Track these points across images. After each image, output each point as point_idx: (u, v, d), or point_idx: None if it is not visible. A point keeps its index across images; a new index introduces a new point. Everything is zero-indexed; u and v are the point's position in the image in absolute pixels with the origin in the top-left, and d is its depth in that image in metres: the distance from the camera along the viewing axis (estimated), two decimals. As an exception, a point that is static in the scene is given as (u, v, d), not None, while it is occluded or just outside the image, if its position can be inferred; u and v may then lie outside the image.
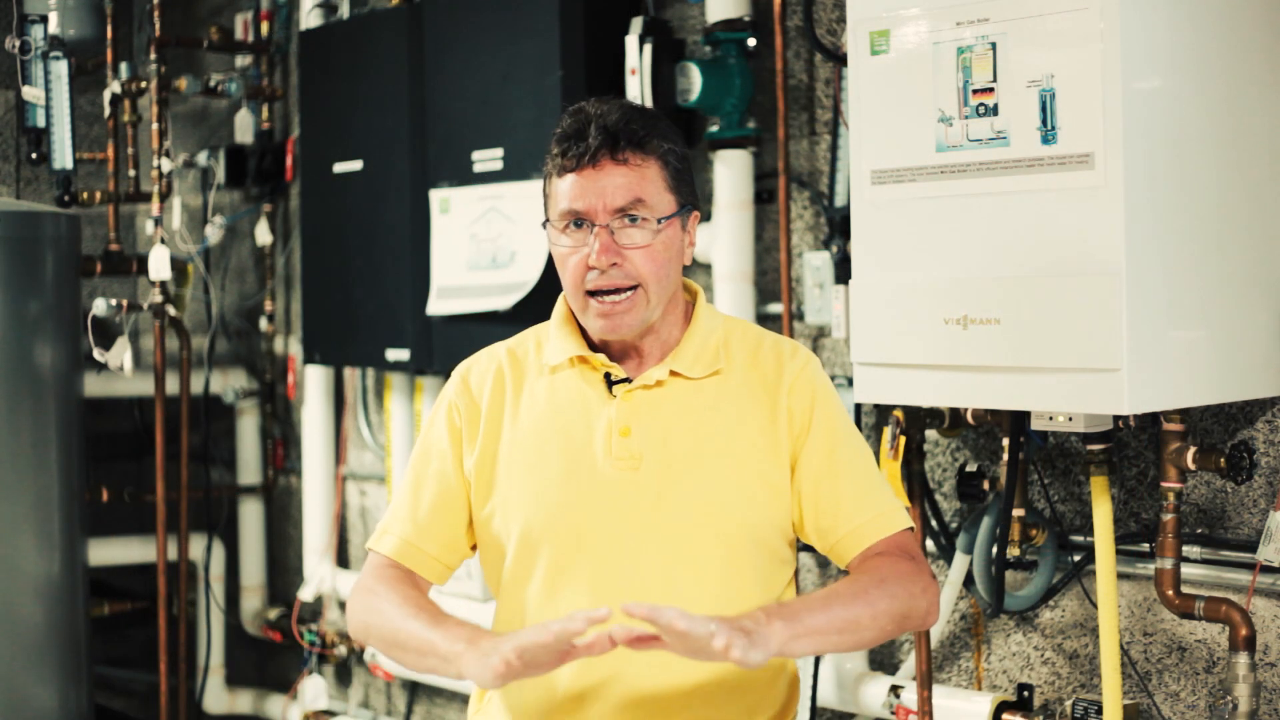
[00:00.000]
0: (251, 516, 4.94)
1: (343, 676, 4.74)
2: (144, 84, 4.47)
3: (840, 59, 3.21)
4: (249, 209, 4.90)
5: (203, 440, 4.92)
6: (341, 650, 4.57)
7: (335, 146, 4.15)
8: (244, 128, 4.78)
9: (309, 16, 4.45)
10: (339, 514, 4.58)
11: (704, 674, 2.08)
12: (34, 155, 4.17)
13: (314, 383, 4.54)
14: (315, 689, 4.59)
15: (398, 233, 3.94)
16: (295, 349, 4.82)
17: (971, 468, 3.01)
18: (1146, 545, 2.82)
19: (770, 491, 2.11)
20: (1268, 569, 2.65)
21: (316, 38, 4.31)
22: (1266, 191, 2.57)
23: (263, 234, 4.83)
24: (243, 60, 4.87)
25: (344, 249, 4.13)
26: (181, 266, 4.56)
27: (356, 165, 4.08)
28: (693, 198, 2.15)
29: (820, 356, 3.37)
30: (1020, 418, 2.77)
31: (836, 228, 3.27)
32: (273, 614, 4.86)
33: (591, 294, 2.08)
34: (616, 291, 2.07)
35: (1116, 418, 2.65)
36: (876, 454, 2.93)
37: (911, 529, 2.14)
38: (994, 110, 2.46)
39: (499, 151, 3.65)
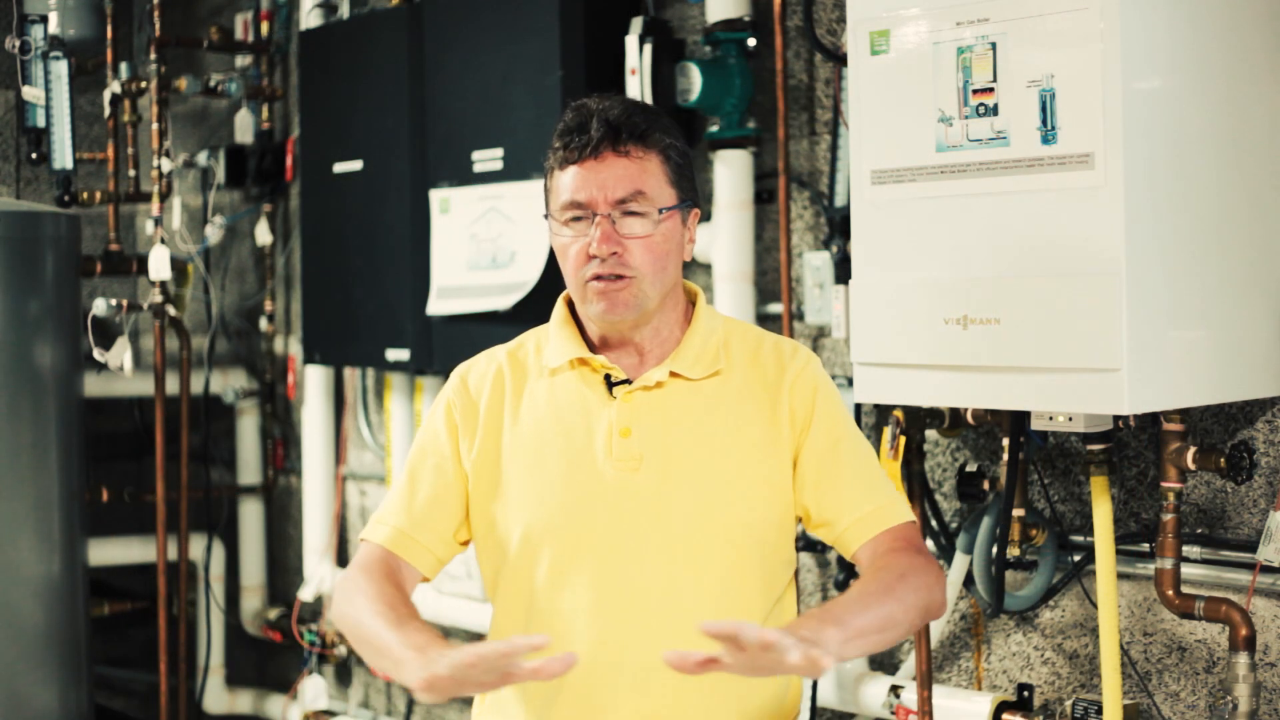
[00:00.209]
0: (251, 516, 4.94)
1: (343, 676, 4.74)
2: (144, 84, 4.47)
3: (840, 59, 3.21)
4: (249, 209, 4.90)
5: (203, 440, 4.92)
6: (341, 650, 4.57)
7: (335, 146, 4.15)
8: (244, 128, 4.78)
9: (309, 16, 4.45)
10: (339, 514, 4.58)
11: (706, 678, 2.07)
12: (34, 155, 4.17)
13: (314, 383, 4.54)
14: (315, 689, 4.59)
15: (398, 233, 3.94)
16: (295, 349, 4.82)
17: (971, 468, 3.01)
18: (1146, 545, 2.82)
19: (771, 491, 2.12)
20: (1268, 569, 2.65)
21: (316, 38, 4.31)
22: (1266, 191, 2.57)
23: (263, 234, 4.83)
24: (243, 60, 4.87)
25: (344, 249, 4.13)
26: (181, 266, 4.56)
27: (356, 165, 4.08)
28: (693, 194, 2.16)
29: (820, 356, 3.36)
30: (1020, 418, 2.77)
31: (836, 228, 3.27)
32: (273, 614, 4.86)
33: (590, 280, 2.08)
34: (617, 279, 2.07)
35: (1116, 418, 2.65)
36: (876, 454, 2.93)
37: (914, 521, 2.14)
38: (994, 110, 2.46)
39: (499, 151, 3.65)
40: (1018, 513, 2.87)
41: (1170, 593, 2.68)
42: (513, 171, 3.61)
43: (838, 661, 1.91)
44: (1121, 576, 2.86)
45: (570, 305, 2.20)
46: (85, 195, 4.49)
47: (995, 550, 2.87)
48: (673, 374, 2.13)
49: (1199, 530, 2.78)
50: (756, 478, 2.11)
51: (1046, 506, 2.98)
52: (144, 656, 5.05)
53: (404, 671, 1.90)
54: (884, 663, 3.30)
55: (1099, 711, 2.80)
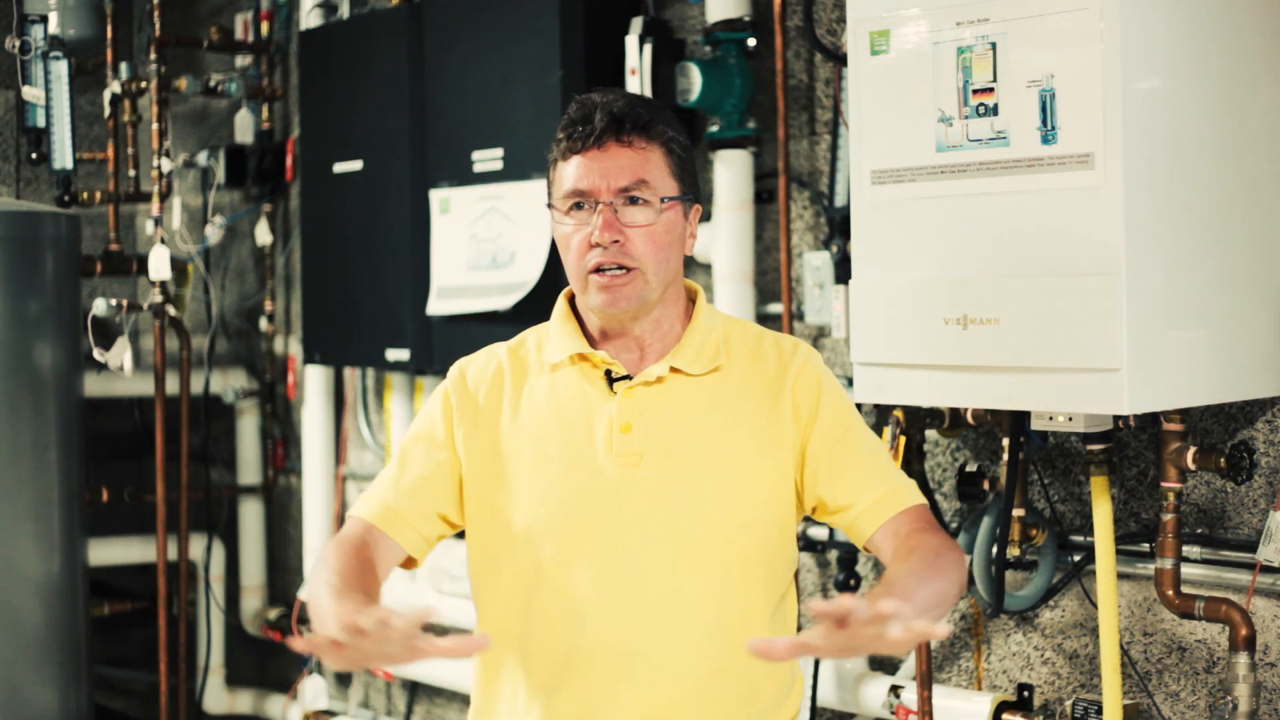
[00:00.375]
0: (251, 516, 4.94)
1: (343, 676, 4.74)
2: (144, 84, 4.47)
3: (840, 59, 3.21)
4: (249, 209, 4.90)
5: (203, 440, 4.92)
6: (341, 650, 4.56)
7: (335, 146, 4.15)
8: (244, 128, 4.78)
9: (309, 16, 4.45)
10: (339, 514, 4.57)
11: (708, 677, 2.08)
12: (34, 155, 4.17)
13: (314, 383, 4.54)
14: (315, 689, 4.59)
15: (398, 233, 3.94)
16: (295, 349, 4.82)
17: (971, 468, 3.01)
18: (1146, 545, 2.82)
19: (771, 487, 2.11)
20: (1268, 569, 2.65)
21: (316, 38, 4.31)
22: (1266, 191, 2.57)
23: (263, 234, 4.83)
24: (243, 60, 4.87)
25: (344, 249, 4.13)
26: (181, 266, 4.56)
27: (356, 165, 4.08)
28: (695, 189, 2.16)
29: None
30: (1020, 418, 2.77)
31: (836, 228, 3.27)
32: (273, 614, 4.86)
33: (592, 271, 2.08)
34: (618, 269, 2.08)
35: (1116, 418, 2.65)
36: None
37: (926, 504, 2.14)
38: (994, 110, 2.46)
39: (499, 151, 3.65)
40: (1018, 513, 2.87)
41: (1170, 593, 2.68)
42: (513, 171, 3.61)
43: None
44: (1121, 576, 2.86)
45: (571, 301, 2.20)
46: (85, 195, 4.49)
47: (995, 550, 2.87)
48: (673, 369, 2.13)
49: (1199, 530, 2.78)
50: (757, 473, 2.11)
51: (1046, 506, 2.98)
52: (144, 656, 5.05)
53: (326, 624, 1.86)
54: (884, 663, 3.30)
55: (1099, 711, 2.80)
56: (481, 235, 3.68)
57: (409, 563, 2.19)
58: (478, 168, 3.70)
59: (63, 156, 4.18)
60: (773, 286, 3.45)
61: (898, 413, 2.94)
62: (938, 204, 2.54)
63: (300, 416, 4.75)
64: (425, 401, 2.24)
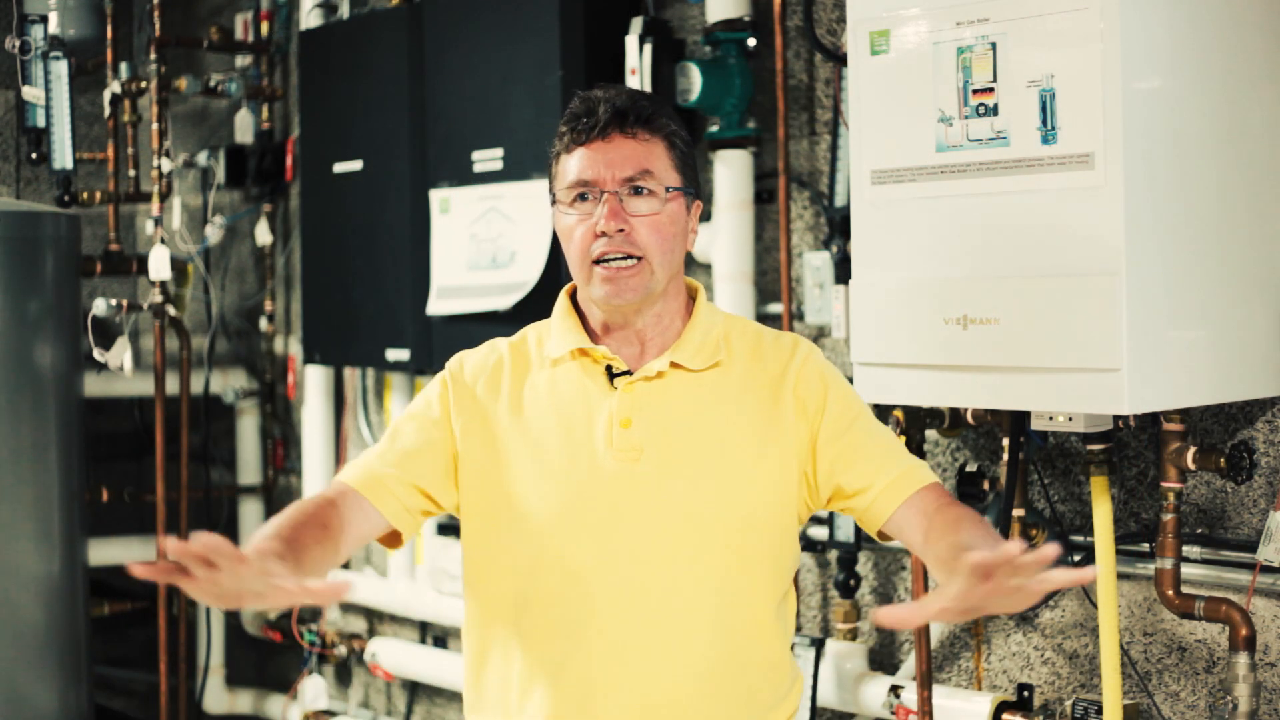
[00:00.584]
0: (251, 516, 4.94)
1: (343, 676, 4.75)
2: (144, 84, 4.47)
3: (840, 59, 3.21)
4: (249, 209, 4.90)
5: (203, 440, 4.92)
6: (341, 650, 4.57)
7: (335, 146, 4.15)
8: (244, 128, 4.78)
9: (309, 16, 4.45)
10: (339, 514, 4.57)
11: (708, 676, 2.07)
12: (34, 155, 4.17)
13: (314, 383, 4.54)
14: (315, 689, 4.59)
15: (398, 233, 3.94)
16: (295, 349, 4.82)
17: (971, 468, 3.01)
18: (1146, 545, 2.82)
19: (771, 483, 2.11)
20: (1268, 569, 2.65)
21: (316, 38, 4.31)
22: (1266, 191, 2.57)
23: (263, 234, 4.83)
24: (243, 60, 4.87)
25: (344, 249, 4.13)
26: (181, 266, 4.56)
27: (356, 165, 4.08)
28: (696, 184, 2.17)
29: (820, 356, 3.37)
30: (1020, 418, 2.77)
31: (836, 228, 3.27)
32: (272, 614, 4.86)
33: (596, 262, 2.08)
34: (624, 259, 2.07)
35: (1116, 418, 2.65)
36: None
37: (940, 482, 2.14)
38: (994, 110, 2.46)
39: (499, 151, 3.65)
40: (1018, 513, 2.87)
41: (1170, 593, 2.68)
42: (513, 171, 3.61)
43: None
44: (1121, 576, 2.86)
45: (573, 297, 2.21)
46: (85, 195, 4.49)
47: (995, 550, 2.87)
48: (673, 365, 2.13)
49: (1199, 530, 2.78)
50: (757, 469, 2.11)
51: (1046, 506, 2.98)
52: (144, 656, 5.05)
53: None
54: (884, 663, 3.30)
55: (1099, 711, 2.80)
56: (481, 235, 3.68)
57: (394, 539, 2.17)
58: (478, 168, 3.70)
59: (63, 156, 4.18)
60: (773, 286, 3.45)
61: (898, 413, 2.94)
62: (938, 204, 2.54)
63: (300, 416, 4.75)
64: (423, 389, 2.24)
